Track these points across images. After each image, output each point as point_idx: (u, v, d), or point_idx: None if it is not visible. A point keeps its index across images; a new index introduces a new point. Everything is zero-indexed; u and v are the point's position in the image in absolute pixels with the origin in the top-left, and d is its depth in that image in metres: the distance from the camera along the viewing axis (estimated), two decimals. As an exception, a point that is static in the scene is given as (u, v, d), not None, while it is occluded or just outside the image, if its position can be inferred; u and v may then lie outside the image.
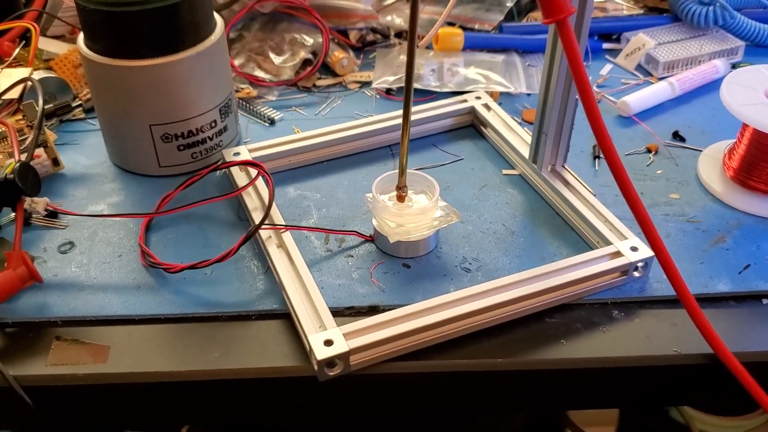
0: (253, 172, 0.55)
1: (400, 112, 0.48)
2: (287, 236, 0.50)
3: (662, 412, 0.94)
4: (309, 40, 0.72)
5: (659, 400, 0.48)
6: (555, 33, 0.50)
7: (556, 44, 0.50)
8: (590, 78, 0.72)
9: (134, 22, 0.52)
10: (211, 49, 0.56)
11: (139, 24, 0.52)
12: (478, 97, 0.65)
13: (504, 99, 0.69)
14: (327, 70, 0.73)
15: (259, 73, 0.71)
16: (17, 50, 0.70)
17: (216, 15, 0.58)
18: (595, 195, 0.54)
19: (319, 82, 0.72)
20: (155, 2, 0.51)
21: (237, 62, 0.71)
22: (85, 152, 0.62)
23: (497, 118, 0.63)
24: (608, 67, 0.75)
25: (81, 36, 0.56)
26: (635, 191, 0.41)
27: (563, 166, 0.57)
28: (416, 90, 0.68)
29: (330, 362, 0.42)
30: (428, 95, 0.68)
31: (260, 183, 0.55)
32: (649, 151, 0.62)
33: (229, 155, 0.58)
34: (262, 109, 0.67)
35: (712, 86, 0.71)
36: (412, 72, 0.45)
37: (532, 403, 0.48)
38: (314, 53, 0.72)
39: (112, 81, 0.55)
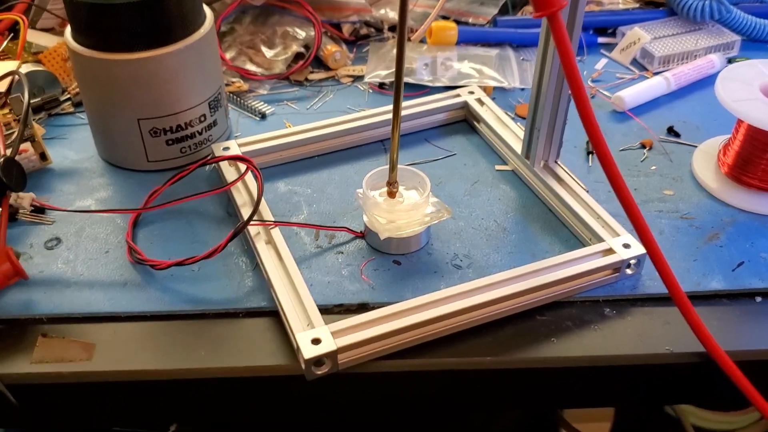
0: (243, 167, 0.55)
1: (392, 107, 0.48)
2: (276, 232, 0.50)
3: (657, 407, 0.94)
4: (301, 34, 0.72)
5: (651, 399, 0.47)
6: (548, 27, 0.49)
7: (548, 39, 0.50)
8: (585, 72, 0.72)
9: (121, 15, 0.51)
10: (200, 43, 0.55)
11: (126, 17, 0.51)
12: (471, 92, 0.65)
13: (497, 94, 0.68)
14: (319, 63, 0.73)
15: (251, 67, 0.70)
16: (5, 43, 0.69)
17: (206, 8, 0.58)
18: (588, 191, 0.54)
19: (312, 76, 0.71)
20: (142, -5, 0.50)
21: (228, 55, 0.70)
22: (74, 146, 0.61)
23: (490, 113, 0.62)
24: (603, 61, 0.74)
25: (68, 29, 0.55)
26: (627, 188, 0.40)
27: (556, 162, 0.56)
28: (409, 84, 0.68)
29: (317, 361, 0.42)
30: (421, 90, 0.67)
31: (249, 178, 0.54)
32: (643, 146, 0.62)
33: (218, 150, 0.57)
34: (253, 103, 0.66)
35: (707, 81, 0.70)
36: (401, 68, 0.44)
37: (522, 401, 0.48)
38: (306, 47, 0.71)
39: (99, 75, 0.54)
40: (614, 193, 0.41)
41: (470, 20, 0.75)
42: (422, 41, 0.73)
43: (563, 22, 0.37)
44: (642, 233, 0.41)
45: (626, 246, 0.48)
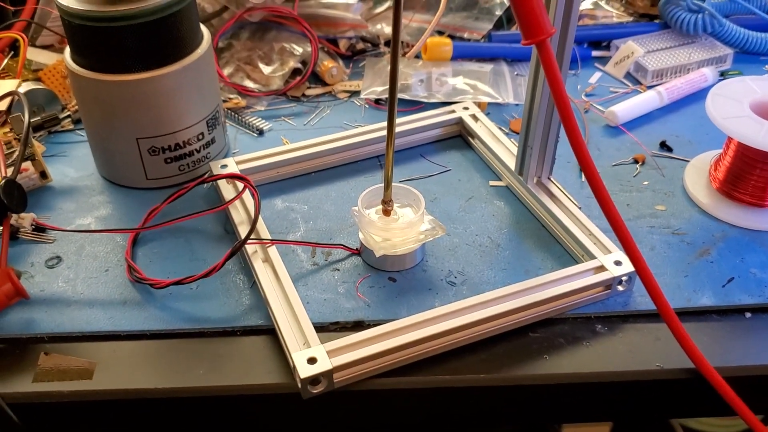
0: (240, 185, 0.55)
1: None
2: (273, 250, 0.50)
3: (649, 422, 0.94)
4: (298, 50, 0.72)
5: (643, 414, 0.48)
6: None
7: (540, 61, 0.50)
8: (579, 86, 0.73)
9: (120, 37, 0.52)
10: (198, 63, 0.56)
11: (125, 39, 0.52)
12: (466, 108, 0.66)
13: (492, 108, 0.69)
14: (316, 79, 0.73)
15: (248, 83, 0.71)
16: (6, 61, 0.70)
17: (203, 27, 0.59)
18: (580, 208, 0.55)
19: (309, 92, 0.72)
20: (140, 18, 0.51)
21: (226, 72, 0.71)
22: (74, 164, 0.62)
23: (484, 129, 0.63)
24: (597, 75, 0.75)
25: (67, 49, 0.56)
26: (618, 213, 0.41)
27: (549, 178, 0.57)
28: (404, 100, 0.68)
29: (313, 380, 0.42)
30: (416, 105, 0.68)
31: (247, 196, 0.55)
32: (636, 161, 0.62)
33: (216, 167, 0.58)
34: (250, 120, 0.67)
35: (700, 95, 0.71)
36: (395, 89, 0.45)
37: (516, 417, 0.48)
38: (303, 62, 0.72)
39: (98, 95, 0.55)
40: (606, 218, 0.41)
41: (465, 35, 0.76)
42: (417, 57, 0.74)
43: (552, 49, 0.38)
44: (631, 253, 0.42)
45: (617, 263, 0.49)
